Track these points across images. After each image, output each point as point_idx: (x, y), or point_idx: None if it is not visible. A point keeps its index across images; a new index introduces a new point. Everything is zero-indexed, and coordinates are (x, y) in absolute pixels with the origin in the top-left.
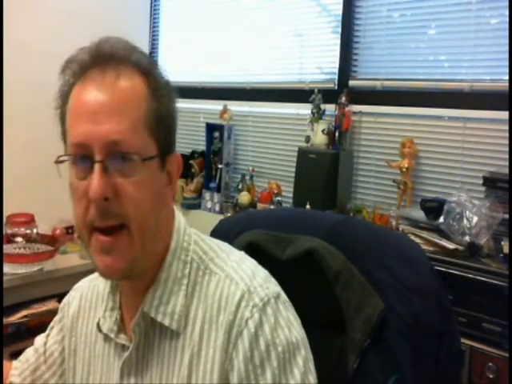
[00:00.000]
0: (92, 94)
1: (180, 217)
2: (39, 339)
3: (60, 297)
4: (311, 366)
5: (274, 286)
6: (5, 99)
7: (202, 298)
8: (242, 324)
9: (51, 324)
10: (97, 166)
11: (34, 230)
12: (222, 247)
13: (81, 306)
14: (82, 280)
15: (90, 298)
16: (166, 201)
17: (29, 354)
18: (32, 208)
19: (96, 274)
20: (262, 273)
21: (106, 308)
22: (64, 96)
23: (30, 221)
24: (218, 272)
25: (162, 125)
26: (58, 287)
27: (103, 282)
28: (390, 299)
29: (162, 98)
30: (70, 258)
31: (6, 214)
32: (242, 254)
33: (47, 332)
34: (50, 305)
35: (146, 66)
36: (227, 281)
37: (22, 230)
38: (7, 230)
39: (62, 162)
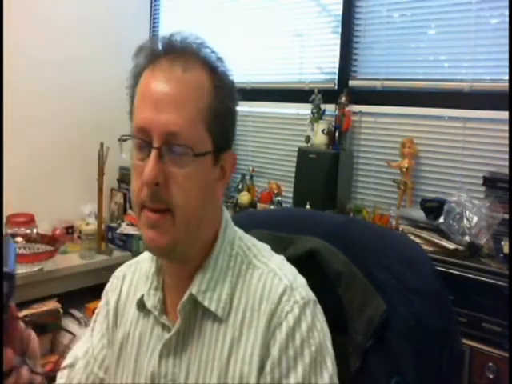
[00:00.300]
0: (159, 82)
1: (226, 211)
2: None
3: (60, 297)
4: (336, 375)
5: (312, 293)
6: (5, 99)
7: (245, 289)
8: (282, 316)
9: (93, 318)
10: (153, 152)
11: (34, 230)
12: (265, 247)
13: (122, 291)
14: (120, 268)
15: (131, 281)
16: (214, 195)
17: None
18: (32, 208)
19: (136, 258)
20: (302, 278)
21: (150, 286)
22: (135, 77)
23: (29, 221)
24: (262, 267)
25: (219, 122)
26: (58, 287)
27: (148, 262)
28: (392, 300)
29: (223, 96)
30: (69, 258)
31: (6, 214)
32: (282, 257)
33: (91, 326)
34: (49, 305)
35: (212, 63)
36: (271, 274)
37: (22, 230)
38: (7, 230)
39: (124, 140)
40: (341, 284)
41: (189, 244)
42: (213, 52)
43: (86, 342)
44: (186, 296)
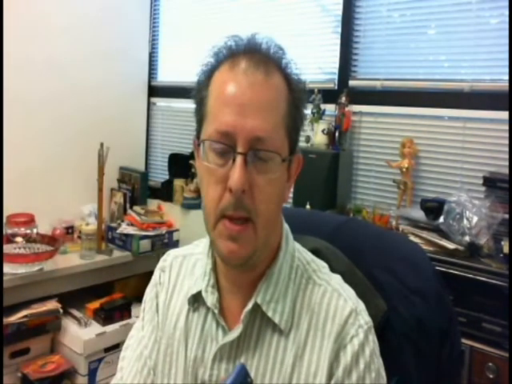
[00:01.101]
0: (242, 86)
1: (283, 219)
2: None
3: (60, 297)
4: None
5: (368, 316)
6: (5, 99)
7: (306, 305)
8: (347, 339)
9: (142, 314)
10: (239, 158)
11: (34, 230)
12: (323, 264)
13: (170, 284)
14: (165, 258)
15: (178, 274)
16: (285, 198)
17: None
18: (32, 208)
19: (184, 251)
20: (362, 302)
21: (208, 283)
22: (206, 77)
23: (29, 221)
24: (324, 284)
25: (296, 126)
26: (58, 287)
27: (201, 257)
28: (392, 301)
29: (298, 100)
30: (69, 258)
31: (6, 213)
32: (340, 276)
33: (140, 324)
34: (49, 305)
35: (288, 68)
36: (335, 294)
37: (22, 230)
38: (7, 230)
39: (203, 142)
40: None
41: (264, 249)
42: (287, 57)
43: (137, 336)
44: (250, 304)
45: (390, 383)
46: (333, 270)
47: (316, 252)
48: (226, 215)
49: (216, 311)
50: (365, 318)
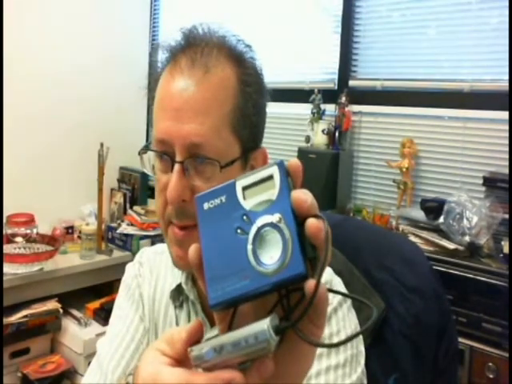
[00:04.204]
0: (178, 87)
1: None
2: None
3: (60, 297)
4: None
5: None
6: (5, 99)
7: None
8: None
9: (120, 303)
10: (176, 167)
11: (34, 230)
12: None
13: (152, 279)
14: (141, 255)
15: (158, 272)
16: None
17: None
18: (32, 208)
19: (160, 249)
20: (338, 278)
21: (187, 275)
22: (154, 81)
23: (30, 221)
24: None
25: (248, 122)
26: (58, 287)
27: None
28: (390, 299)
29: (251, 93)
30: (69, 258)
31: (6, 214)
32: None
33: (123, 313)
34: (49, 305)
35: (239, 53)
36: None
37: (22, 230)
38: (7, 230)
39: (145, 152)
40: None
41: None
42: (238, 41)
43: (123, 323)
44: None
45: (388, 381)
46: (330, 268)
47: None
48: (171, 222)
49: (199, 305)
50: (339, 290)
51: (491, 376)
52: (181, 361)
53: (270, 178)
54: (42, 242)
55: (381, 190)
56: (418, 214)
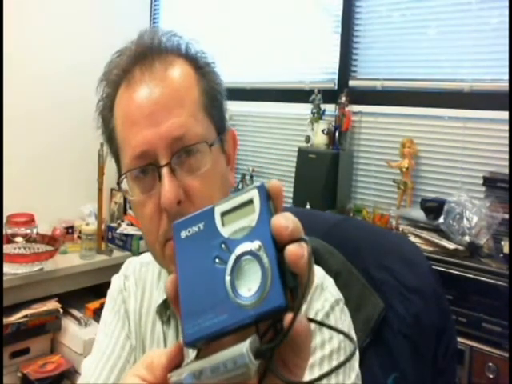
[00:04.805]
0: (143, 94)
1: None
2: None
3: (60, 297)
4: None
5: (340, 293)
6: (5, 99)
7: None
8: (312, 314)
9: (106, 318)
10: (165, 171)
11: (34, 230)
12: None
13: (137, 294)
14: (127, 267)
15: (144, 285)
16: (230, 183)
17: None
18: (32, 208)
19: (144, 259)
20: (330, 278)
21: None
22: (107, 110)
23: (30, 221)
24: None
25: (216, 102)
26: (58, 287)
27: (159, 266)
28: (389, 299)
29: (208, 74)
30: (69, 258)
31: (6, 213)
32: None
33: (109, 330)
34: (50, 305)
35: (185, 48)
36: None
37: (22, 230)
38: (7, 230)
39: (122, 180)
40: (339, 283)
41: None
42: (177, 37)
43: (109, 341)
44: None
45: (388, 381)
46: (329, 268)
47: (312, 251)
48: (168, 238)
49: None
50: (331, 292)
51: (491, 376)
52: None
53: (250, 202)
54: (41, 242)
55: (381, 189)
56: (418, 214)
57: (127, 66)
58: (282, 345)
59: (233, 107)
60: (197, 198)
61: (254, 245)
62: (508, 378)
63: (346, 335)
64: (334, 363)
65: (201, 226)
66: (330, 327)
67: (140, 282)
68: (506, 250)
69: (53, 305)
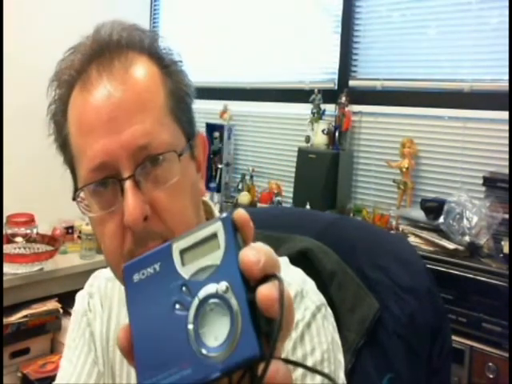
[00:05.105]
0: (100, 97)
1: (212, 204)
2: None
3: (60, 297)
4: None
5: (322, 296)
6: (5, 99)
7: None
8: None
9: (71, 344)
10: (128, 184)
11: (34, 230)
12: None
13: (104, 313)
14: (91, 283)
15: (111, 301)
16: (201, 192)
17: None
18: (32, 208)
19: (110, 275)
20: (311, 281)
21: None
22: (60, 115)
23: (30, 221)
24: None
25: (184, 104)
26: (58, 287)
27: None
28: (384, 299)
29: (175, 74)
30: (69, 258)
31: (6, 213)
32: (285, 259)
33: (73, 355)
34: (50, 305)
35: (149, 44)
36: None
37: (22, 230)
38: (7, 230)
39: (78, 196)
40: (333, 283)
41: None
42: (144, 32)
43: (73, 371)
44: None
45: (383, 381)
46: (324, 268)
47: (306, 252)
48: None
49: None
50: (312, 299)
51: (491, 376)
52: None
53: (214, 236)
54: (41, 242)
55: (381, 190)
56: (418, 214)
57: (82, 64)
58: None
59: (233, 107)
60: (165, 213)
61: (221, 286)
62: (508, 378)
63: (330, 378)
64: (318, 378)
65: (156, 267)
66: (309, 369)
67: (106, 300)
68: (506, 249)
69: (53, 305)
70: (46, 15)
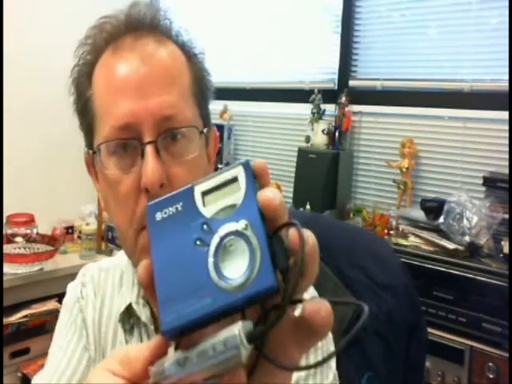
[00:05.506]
0: (133, 64)
1: None
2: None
3: (60, 297)
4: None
5: (313, 289)
6: (5, 99)
7: None
8: None
9: (62, 331)
10: (149, 148)
11: (34, 230)
12: None
13: (96, 302)
14: (84, 273)
15: (104, 293)
16: None
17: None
18: (32, 208)
19: (105, 265)
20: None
21: (138, 293)
22: (84, 77)
23: (30, 221)
24: None
25: (206, 95)
26: (58, 287)
27: (126, 269)
28: (362, 298)
29: (198, 65)
30: (69, 258)
31: (6, 213)
32: None
33: (63, 342)
34: (50, 305)
35: (176, 33)
36: None
37: (22, 230)
38: (7, 230)
39: (94, 154)
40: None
41: None
42: (172, 23)
43: (63, 356)
44: None
45: (362, 380)
46: None
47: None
48: (144, 226)
49: (152, 327)
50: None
51: (491, 376)
52: (137, 383)
53: (235, 180)
54: (41, 242)
55: (381, 190)
56: (418, 214)
57: (116, 31)
58: (279, 327)
59: (233, 107)
60: (181, 185)
61: (241, 224)
62: (508, 378)
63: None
64: (322, 377)
65: (179, 206)
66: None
67: (99, 289)
68: (506, 249)
69: (53, 305)
70: (46, 14)
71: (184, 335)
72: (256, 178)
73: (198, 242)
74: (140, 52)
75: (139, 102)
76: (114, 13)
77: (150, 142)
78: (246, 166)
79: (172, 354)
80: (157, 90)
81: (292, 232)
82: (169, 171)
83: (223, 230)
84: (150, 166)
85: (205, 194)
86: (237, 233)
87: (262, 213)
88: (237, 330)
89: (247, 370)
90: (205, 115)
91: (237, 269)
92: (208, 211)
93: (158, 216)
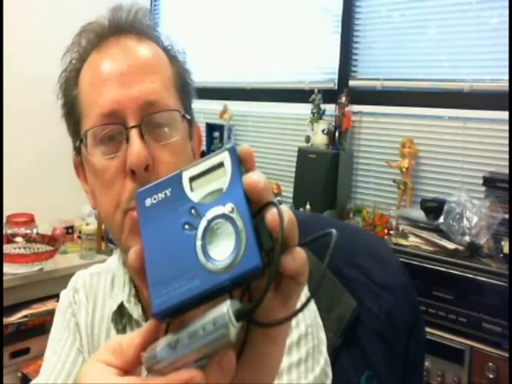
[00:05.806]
0: (117, 57)
1: None
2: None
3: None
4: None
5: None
6: (5, 99)
7: None
8: None
9: (54, 336)
10: (133, 132)
11: (34, 230)
12: None
13: (88, 306)
14: (76, 280)
15: (96, 295)
16: None
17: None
18: (32, 208)
19: (95, 269)
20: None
21: (130, 292)
22: (71, 81)
23: (30, 221)
24: None
25: (187, 89)
26: (58, 287)
27: (117, 271)
28: (361, 297)
29: (180, 64)
30: (69, 258)
31: (6, 213)
32: None
33: (58, 346)
34: (49, 305)
35: (158, 35)
36: None
37: (22, 230)
38: (7, 230)
39: (80, 145)
40: (310, 283)
41: None
42: (152, 26)
43: (57, 360)
44: None
45: (361, 379)
46: None
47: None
48: (131, 208)
49: (144, 324)
50: None
51: (491, 376)
52: (130, 371)
53: (221, 165)
54: (42, 242)
55: (381, 189)
56: (418, 214)
57: (100, 37)
58: (262, 304)
59: (233, 107)
60: (164, 167)
61: (227, 208)
62: (508, 378)
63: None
64: (303, 349)
65: (167, 192)
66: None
67: (91, 293)
68: (506, 249)
69: (53, 305)
70: (45, 14)
71: (174, 317)
72: (242, 163)
73: (186, 226)
74: (123, 47)
75: (123, 89)
76: (98, 19)
77: (134, 127)
78: (232, 151)
79: (164, 339)
80: (140, 78)
81: (269, 213)
82: (153, 154)
83: (210, 213)
84: (135, 147)
85: (192, 179)
86: (223, 216)
87: (248, 196)
88: (225, 308)
89: (236, 352)
90: (187, 109)
91: (224, 251)
92: (196, 196)
93: (148, 202)
